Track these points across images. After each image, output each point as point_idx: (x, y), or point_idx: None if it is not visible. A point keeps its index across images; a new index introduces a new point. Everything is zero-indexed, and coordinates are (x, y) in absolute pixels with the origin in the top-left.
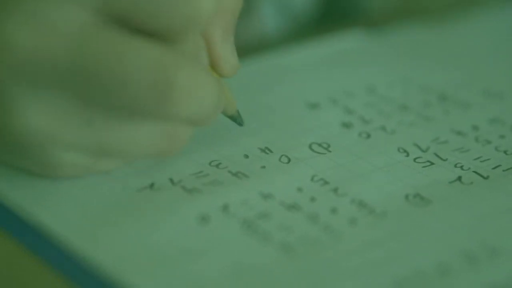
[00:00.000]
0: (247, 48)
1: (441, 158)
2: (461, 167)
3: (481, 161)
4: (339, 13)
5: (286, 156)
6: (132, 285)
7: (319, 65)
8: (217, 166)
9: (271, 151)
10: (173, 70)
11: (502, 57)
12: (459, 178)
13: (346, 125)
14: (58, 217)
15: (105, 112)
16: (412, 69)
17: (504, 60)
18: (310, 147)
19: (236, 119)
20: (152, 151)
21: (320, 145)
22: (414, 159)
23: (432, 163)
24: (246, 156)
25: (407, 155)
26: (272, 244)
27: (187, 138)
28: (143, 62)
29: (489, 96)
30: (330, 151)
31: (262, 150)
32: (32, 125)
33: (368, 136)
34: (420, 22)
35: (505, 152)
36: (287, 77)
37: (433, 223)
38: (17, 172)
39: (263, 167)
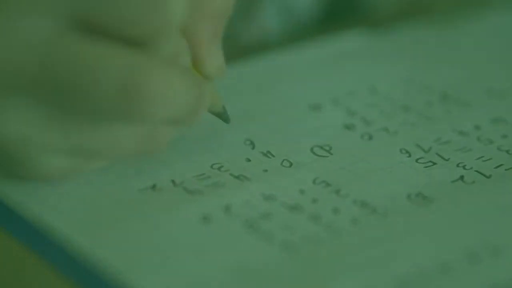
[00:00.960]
0: (249, 49)
1: (443, 158)
2: (463, 166)
3: (483, 161)
4: (341, 13)
5: (288, 161)
6: (135, 284)
7: (321, 66)
8: (219, 169)
9: (273, 155)
10: (142, 74)
11: (505, 57)
12: (461, 178)
13: (348, 127)
14: (60, 217)
15: (79, 117)
16: (414, 69)
17: (506, 60)
18: (312, 150)
19: (222, 115)
20: (133, 151)
21: (322, 148)
22: (416, 160)
23: (434, 163)
24: (248, 160)
25: (409, 155)
26: (274, 244)
27: (170, 137)
28: (112, 67)
29: (492, 96)
30: (332, 154)
31: (264, 154)
32: (7, 131)
33: (370, 137)
34: (422, 23)
35: (507, 151)
36: (289, 77)
37: (435, 222)
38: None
39: (265, 170)
